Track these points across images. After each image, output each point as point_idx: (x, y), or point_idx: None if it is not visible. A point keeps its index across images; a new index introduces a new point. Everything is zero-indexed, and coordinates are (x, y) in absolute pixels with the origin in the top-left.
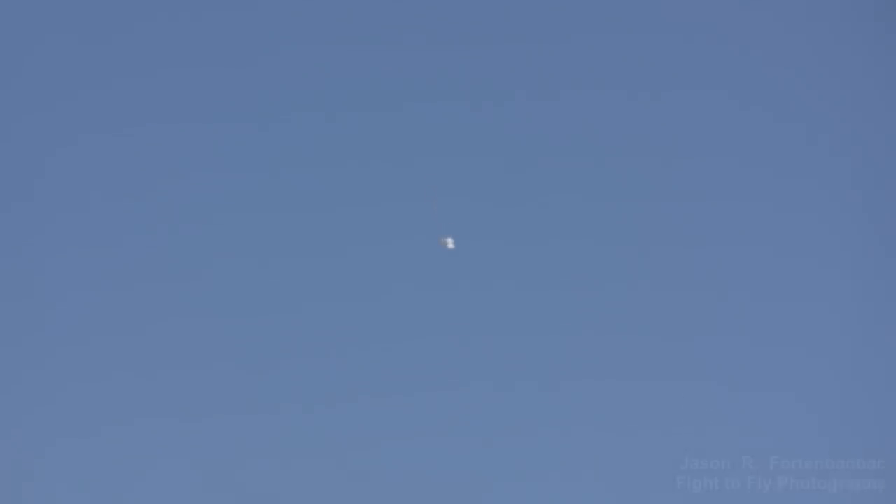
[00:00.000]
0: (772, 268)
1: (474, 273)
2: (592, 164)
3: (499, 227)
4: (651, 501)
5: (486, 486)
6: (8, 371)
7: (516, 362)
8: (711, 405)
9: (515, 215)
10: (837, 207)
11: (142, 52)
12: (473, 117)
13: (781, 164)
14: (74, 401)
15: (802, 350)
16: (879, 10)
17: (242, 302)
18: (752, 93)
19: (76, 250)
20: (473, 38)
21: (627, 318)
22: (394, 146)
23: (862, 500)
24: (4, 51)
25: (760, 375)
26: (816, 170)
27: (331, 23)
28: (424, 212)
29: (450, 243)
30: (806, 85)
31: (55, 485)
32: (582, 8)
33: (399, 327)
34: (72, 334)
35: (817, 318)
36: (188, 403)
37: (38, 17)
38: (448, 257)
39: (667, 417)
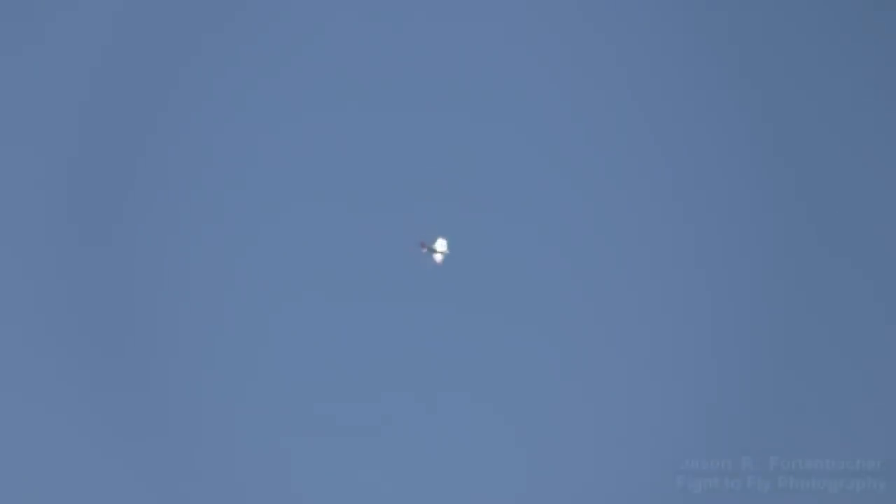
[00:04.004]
0: (772, 269)
1: (473, 281)
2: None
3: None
4: (651, 501)
5: (484, 486)
6: None
7: (515, 363)
8: (711, 405)
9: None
10: (841, 211)
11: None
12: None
13: None
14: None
15: (803, 350)
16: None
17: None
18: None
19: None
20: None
21: (628, 319)
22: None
23: (862, 500)
24: None
25: (761, 376)
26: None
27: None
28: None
29: (441, 247)
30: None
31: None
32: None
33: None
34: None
35: (818, 319)
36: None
37: None
38: (443, 270)
39: (667, 418)
